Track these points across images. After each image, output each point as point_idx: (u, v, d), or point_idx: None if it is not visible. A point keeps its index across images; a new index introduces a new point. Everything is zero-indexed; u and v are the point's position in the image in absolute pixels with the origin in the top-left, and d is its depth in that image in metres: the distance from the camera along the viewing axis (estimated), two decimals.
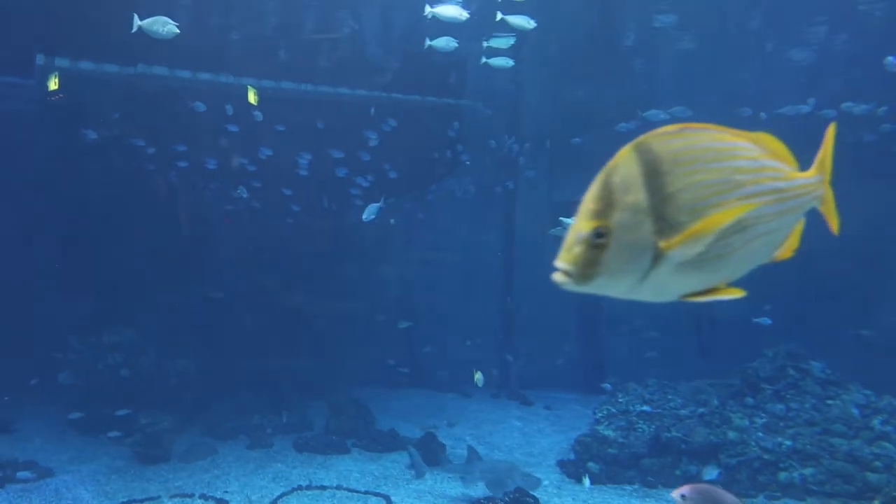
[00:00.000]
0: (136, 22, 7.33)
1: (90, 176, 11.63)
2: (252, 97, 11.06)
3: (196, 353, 11.29)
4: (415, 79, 12.17)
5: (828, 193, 2.27)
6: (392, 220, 16.42)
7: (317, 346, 12.98)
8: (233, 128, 11.01)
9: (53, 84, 10.50)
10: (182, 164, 11.68)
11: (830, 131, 2.29)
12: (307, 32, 11.00)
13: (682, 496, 4.87)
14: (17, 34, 9.94)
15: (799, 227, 2.20)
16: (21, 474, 8.53)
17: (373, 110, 11.76)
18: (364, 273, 15.16)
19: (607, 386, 10.86)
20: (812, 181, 2.18)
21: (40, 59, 10.36)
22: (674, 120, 11.92)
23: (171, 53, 10.37)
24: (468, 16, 8.24)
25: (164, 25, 7.30)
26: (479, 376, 9.39)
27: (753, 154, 2.04)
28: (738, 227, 1.94)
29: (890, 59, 10.01)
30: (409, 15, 10.82)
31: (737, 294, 2.01)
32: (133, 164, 11.76)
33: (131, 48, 10.20)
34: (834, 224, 2.31)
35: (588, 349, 15.52)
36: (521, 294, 15.60)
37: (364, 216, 9.35)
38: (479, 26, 11.21)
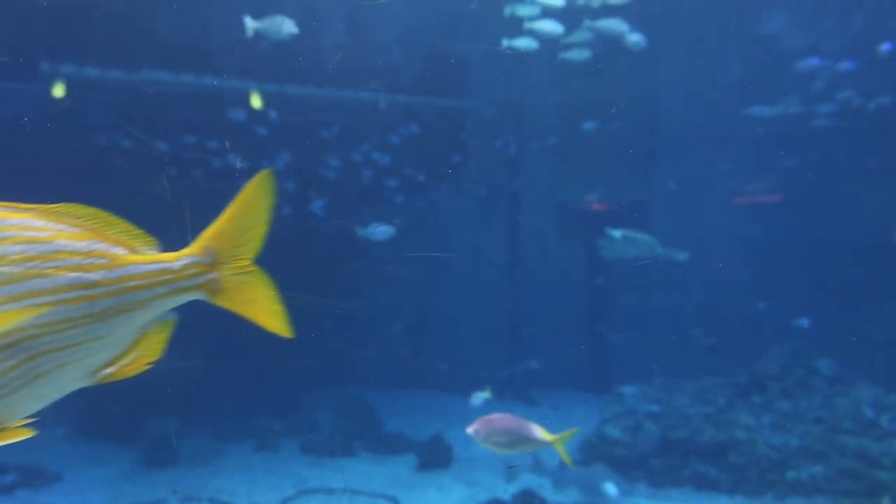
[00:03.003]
0: (249, 24, 6.72)
1: (95, 177, 11.66)
2: (256, 101, 11.08)
3: (204, 354, 11.30)
4: (428, 80, 12.19)
5: (242, 281, 1.58)
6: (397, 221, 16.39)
7: (323, 347, 12.97)
8: (236, 129, 11.02)
9: (58, 90, 10.53)
10: (188, 165, 11.69)
11: (249, 192, 1.57)
12: (319, 34, 11.01)
13: (475, 431, 4.76)
14: (22, 40, 9.98)
15: (162, 330, 1.60)
16: (7, 478, 8.51)
17: (382, 104, 11.72)
18: (370, 273, 15.16)
19: (629, 389, 10.58)
20: (174, 266, 1.51)
21: (45, 66, 10.40)
22: (781, 116, 11.68)
23: (178, 56, 10.42)
24: (562, 30, 8.25)
25: (283, 26, 6.73)
26: (486, 394, 8.97)
27: (42, 234, 1.39)
28: (4, 344, 1.36)
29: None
30: (423, 16, 10.88)
31: (24, 435, 1.47)
32: (138, 166, 11.79)
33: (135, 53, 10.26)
34: (268, 322, 1.63)
35: (595, 348, 15.49)
36: (526, 293, 15.58)
37: (371, 234, 8.95)
38: (486, 25, 11.26)
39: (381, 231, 8.84)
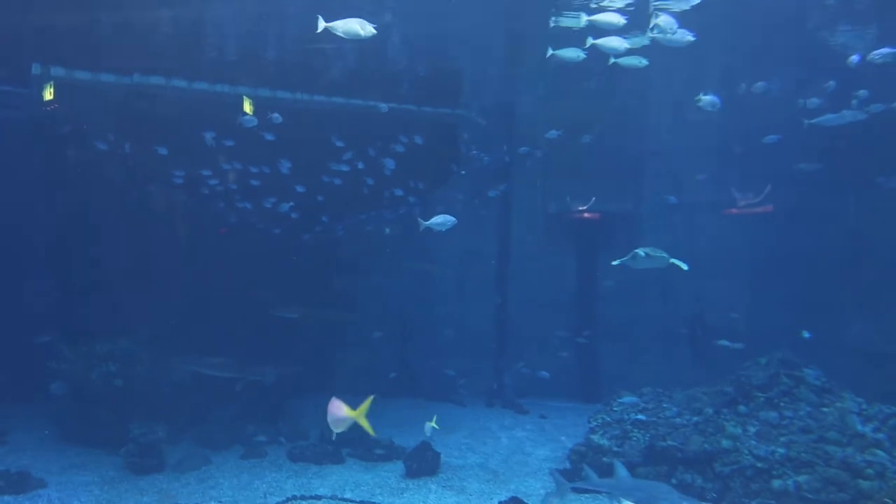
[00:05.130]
0: (322, 23, 6.71)
1: (85, 184, 11.63)
2: (248, 107, 11.07)
3: (191, 362, 11.26)
4: (426, 90, 12.27)
5: None
6: (387, 230, 16.42)
7: (312, 356, 12.95)
8: (229, 138, 11.01)
9: (49, 93, 10.49)
10: (179, 173, 11.66)
11: None
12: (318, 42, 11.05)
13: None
14: (13, 43, 9.96)
15: None
16: None
17: (385, 107, 11.67)
18: (359, 283, 15.17)
19: (630, 399, 10.45)
20: None
21: (36, 69, 10.37)
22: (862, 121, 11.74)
23: (170, 63, 10.43)
24: (625, 21, 8.24)
25: (361, 27, 6.68)
26: (432, 424, 9.11)
27: None
28: None
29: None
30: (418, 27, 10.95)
31: None
32: (127, 171, 11.76)
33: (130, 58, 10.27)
34: None
35: (584, 358, 15.54)
36: (516, 303, 15.62)
37: (435, 225, 8.83)
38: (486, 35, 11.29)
39: (442, 222, 8.83)
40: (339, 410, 5.93)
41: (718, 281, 14.65)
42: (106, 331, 10.99)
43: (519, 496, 8.17)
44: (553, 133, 13.25)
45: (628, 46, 8.50)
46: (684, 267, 8.05)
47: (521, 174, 16.00)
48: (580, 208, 15.96)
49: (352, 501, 8.45)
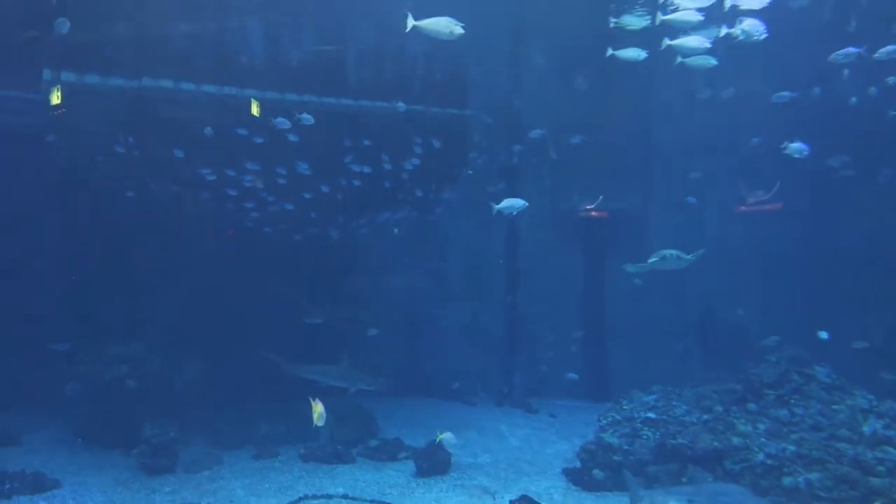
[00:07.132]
0: (411, 21, 6.79)
1: (96, 189, 11.72)
2: (255, 109, 11.13)
3: (202, 362, 11.32)
4: (435, 91, 12.31)
5: None
6: (396, 230, 16.46)
7: (323, 355, 12.99)
8: (240, 138, 11.07)
9: (57, 98, 10.59)
10: (196, 175, 11.74)
11: None
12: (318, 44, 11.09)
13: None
14: (24, 48, 10.07)
15: None
16: (5, 484, 8.56)
17: (402, 104, 11.70)
18: (370, 282, 15.20)
19: (651, 396, 10.45)
20: None
21: (47, 74, 10.47)
22: None
23: (179, 65, 10.52)
24: (709, 45, 8.30)
25: (450, 27, 6.81)
26: (445, 436, 9.23)
27: None
28: None
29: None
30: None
31: None
32: (138, 175, 11.84)
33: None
34: None
35: (594, 356, 15.52)
36: (526, 302, 15.62)
37: (505, 209, 9.07)
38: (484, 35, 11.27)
39: (512, 205, 9.08)
40: (318, 405, 7.46)
41: (728, 278, 14.62)
42: (119, 333, 11.08)
43: (529, 495, 8.20)
44: (536, 132, 13.32)
45: (708, 46, 8.50)
46: (701, 252, 8.18)
47: (530, 172, 15.98)
48: (588, 206, 15.94)
49: (363, 500, 8.50)
